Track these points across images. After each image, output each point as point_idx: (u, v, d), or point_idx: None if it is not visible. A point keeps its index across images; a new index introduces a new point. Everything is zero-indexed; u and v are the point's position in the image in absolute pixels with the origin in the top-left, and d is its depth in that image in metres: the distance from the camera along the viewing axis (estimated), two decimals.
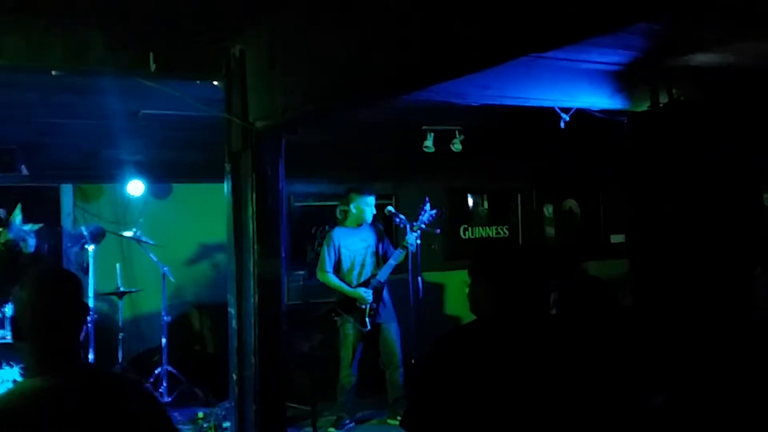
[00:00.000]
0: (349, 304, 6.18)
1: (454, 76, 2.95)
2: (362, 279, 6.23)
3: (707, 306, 4.59)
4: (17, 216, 4.12)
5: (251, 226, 4.14)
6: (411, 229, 6.09)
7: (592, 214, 9.06)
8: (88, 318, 2.22)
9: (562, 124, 4.86)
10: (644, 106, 4.83)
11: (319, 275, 6.30)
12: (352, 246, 6.26)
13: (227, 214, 4.33)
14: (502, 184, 8.76)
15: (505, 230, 8.80)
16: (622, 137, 5.12)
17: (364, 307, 6.13)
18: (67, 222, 7.16)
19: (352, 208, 6.27)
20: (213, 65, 4.24)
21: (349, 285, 6.20)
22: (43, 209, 6.84)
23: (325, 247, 6.28)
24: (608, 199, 8.90)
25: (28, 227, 4.12)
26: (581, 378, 2.34)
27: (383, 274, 6.19)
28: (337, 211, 6.63)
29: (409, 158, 7.00)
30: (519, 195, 8.87)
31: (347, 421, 6.20)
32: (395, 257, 6.14)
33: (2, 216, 8.24)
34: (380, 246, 6.34)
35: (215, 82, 4.31)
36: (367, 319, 6.10)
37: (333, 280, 6.21)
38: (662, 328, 4.67)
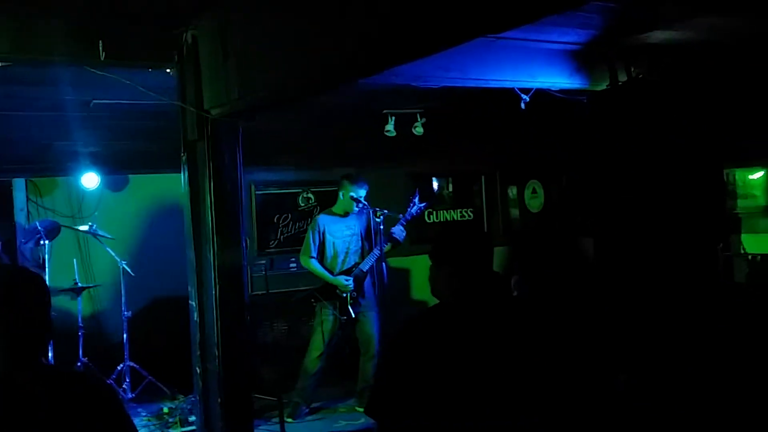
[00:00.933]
0: (330, 291, 6.12)
1: (412, 58, 2.89)
2: (345, 267, 6.17)
3: (673, 284, 4.63)
4: None
5: (209, 216, 4.06)
6: (374, 215, 6.02)
7: (555, 195, 9.10)
8: (50, 318, 2.17)
9: (523, 105, 4.85)
10: (603, 85, 4.83)
11: (302, 260, 6.23)
12: (338, 233, 6.19)
13: (184, 205, 4.24)
14: (466, 167, 8.74)
15: (469, 213, 8.79)
16: (583, 117, 5.12)
17: (344, 295, 6.08)
18: (20, 217, 6.97)
19: (341, 195, 6.20)
20: (165, 52, 4.13)
21: (332, 272, 6.13)
22: None
23: (309, 233, 6.21)
24: (571, 180, 8.94)
25: None
26: (544, 360, 2.33)
27: (366, 264, 6.14)
28: (300, 198, 6.56)
29: (372, 143, 6.94)
30: (483, 177, 8.86)
31: (304, 409, 6.15)
32: (380, 247, 6.07)
33: None
34: (366, 235, 6.27)
35: (168, 70, 4.19)
36: (349, 308, 6.05)
37: (315, 266, 6.14)
38: (627, 307, 4.70)
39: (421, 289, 8.23)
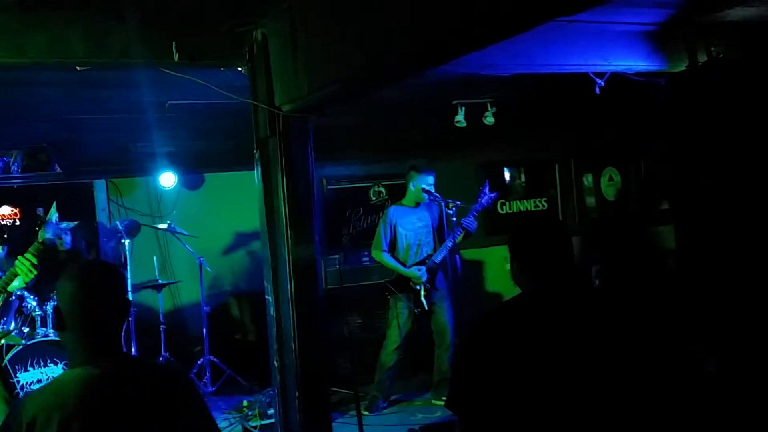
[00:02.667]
0: (403, 284, 6.10)
1: (484, 45, 2.83)
2: (418, 259, 6.15)
3: (756, 270, 4.44)
4: (53, 215, 4.13)
5: (283, 212, 4.08)
6: (446, 207, 5.98)
7: (633, 181, 8.84)
8: (130, 310, 2.25)
9: (597, 90, 4.71)
10: (682, 66, 4.65)
11: (374, 254, 6.23)
12: (409, 225, 6.16)
13: (259, 202, 4.28)
14: (539, 156, 8.58)
15: (543, 203, 8.63)
16: (661, 100, 4.95)
17: (418, 287, 6.06)
18: (102, 217, 7.20)
19: (411, 186, 6.17)
20: (236, 51, 4.18)
21: (404, 265, 6.13)
22: (78, 206, 6.89)
23: (381, 226, 6.21)
24: (650, 165, 8.66)
25: (64, 225, 4.13)
26: (625, 350, 2.27)
27: (439, 255, 6.10)
28: (371, 192, 6.56)
29: (442, 134, 6.89)
30: (557, 166, 8.68)
31: (381, 403, 6.15)
32: (452, 238, 6.03)
33: (41, 214, 8.35)
34: (437, 226, 6.24)
35: (240, 69, 4.24)
36: (423, 300, 6.03)
37: (387, 259, 6.14)
38: (711, 294, 4.53)
39: (495, 280, 8.14)
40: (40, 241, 4.04)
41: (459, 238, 6.08)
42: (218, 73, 4.30)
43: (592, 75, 4.64)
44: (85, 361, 2.05)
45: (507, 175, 8.67)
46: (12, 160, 6.67)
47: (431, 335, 6.27)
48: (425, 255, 6.16)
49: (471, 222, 6.04)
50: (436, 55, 2.96)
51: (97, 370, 2.03)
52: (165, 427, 2.02)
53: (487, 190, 6.12)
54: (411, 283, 6.09)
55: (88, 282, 2.08)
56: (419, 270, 6.06)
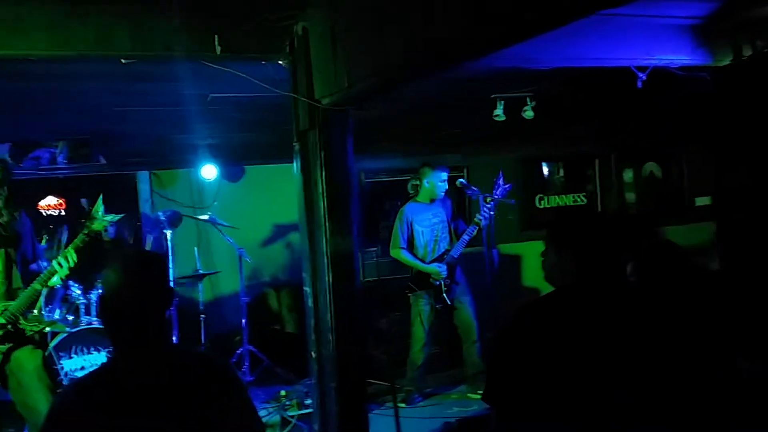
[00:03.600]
0: (423, 280, 6.12)
1: (528, 36, 2.81)
2: (436, 255, 6.16)
3: None
4: (99, 207, 4.25)
5: (322, 204, 4.11)
6: (484, 201, 5.97)
7: (674, 177, 8.71)
8: (173, 300, 2.28)
9: (639, 84, 4.65)
10: (727, 61, 4.56)
11: (392, 252, 6.26)
12: (425, 222, 6.19)
13: (298, 194, 4.32)
14: (578, 150, 8.50)
15: (582, 198, 8.56)
16: (705, 94, 4.87)
17: (438, 283, 6.07)
18: (145, 208, 7.34)
19: (425, 183, 6.20)
20: (277, 44, 4.21)
21: (423, 261, 6.14)
22: (122, 196, 7.03)
23: (397, 224, 6.24)
24: (692, 161, 8.53)
25: (110, 217, 4.25)
26: (664, 346, 2.27)
27: (456, 250, 6.11)
28: (409, 185, 6.57)
29: (480, 128, 6.86)
30: (596, 161, 8.60)
31: (417, 397, 6.18)
32: (468, 233, 6.04)
33: (85, 206, 8.53)
34: (453, 221, 6.25)
35: (280, 62, 4.28)
36: (444, 295, 6.04)
37: (406, 256, 6.16)
38: (752, 292, 4.45)
39: (532, 275, 8.10)
40: (85, 232, 4.16)
41: (474, 233, 6.07)
42: (259, 67, 4.34)
43: (634, 69, 4.58)
44: (128, 349, 2.09)
45: (545, 170, 8.62)
46: (58, 151, 6.83)
47: (456, 330, 6.28)
48: (443, 250, 6.16)
49: (485, 215, 5.99)
50: (477, 47, 2.95)
51: (140, 359, 2.06)
52: (208, 416, 2.05)
53: (501, 181, 6.08)
54: (431, 280, 6.09)
55: (132, 271, 2.11)
56: (439, 266, 6.06)
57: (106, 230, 4.89)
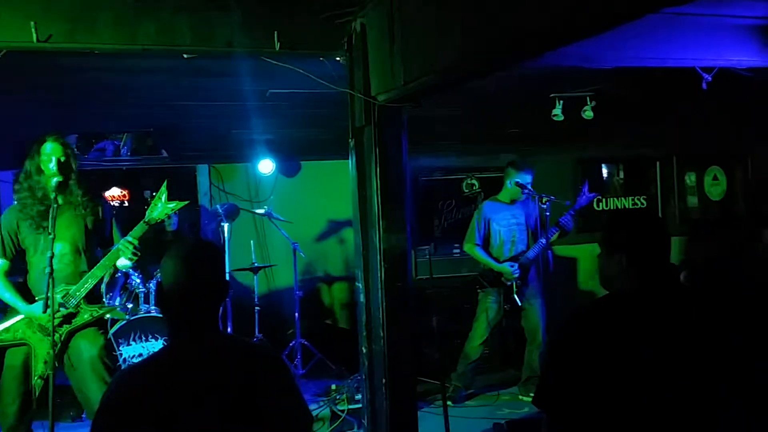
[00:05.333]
0: (495, 278, 6.09)
1: (592, 34, 2.75)
2: (511, 255, 6.12)
3: None
4: (163, 193, 4.31)
5: (376, 201, 4.12)
6: (539, 201, 5.89)
7: (739, 181, 8.45)
8: (228, 290, 2.32)
9: (704, 85, 4.52)
10: None
11: (466, 247, 6.24)
12: (503, 221, 6.14)
13: (352, 190, 4.34)
14: (639, 152, 8.32)
15: (642, 201, 8.38)
16: None
17: (509, 283, 6.02)
18: (204, 201, 7.48)
19: (508, 183, 6.15)
20: (335, 41, 4.24)
21: (497, 260, 6.10)
22: (181, 189, 7.17)
23: (475, 220, 6.21)
24: (758, 165, 8.26)
25: (173, 204, 4.29)
26: (720, 355, 2.20)
27: (533, 252, 6.06)
28: (464, 184, 6.53)
29: (537, 128, 6.78)
30: (658, 163, 8.40)
31: (462, 392, 6.14)
32: (548, 236, 5.96)
33: (148, 197, 8.73)
34: (531, 223, 6.18)
35: (338, 58, 4.30)
36: (514, 296, 5.99)
37: (480, 253, 6.13)
38: None
39: (587, 278, 7.98)
40: (146, 220, 4.21)
41: (554, 237, 6.00)
42: (317, 63, 4.37)
43: (699, 69, 4.46)
44: (184, 337, 2.13)
45: (605, 172, 8.47)
46: (122, 143, 7.01)
47: (521, 332, 6.22)
48: (518, 252, 6.10)
49: (568, 221, 5.96)
50: (540, 45, 2.89)
51: (195, 347, 2.10)
52: (258, 404, 2.07)
53: (586, 189, 6.03)
54: (503, 279, 6.05)
55: (190, 261, 2.15)
56: (512, 266, 6.01)
57: (169, 217, 4.96)
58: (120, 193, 8.01)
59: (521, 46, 2.85)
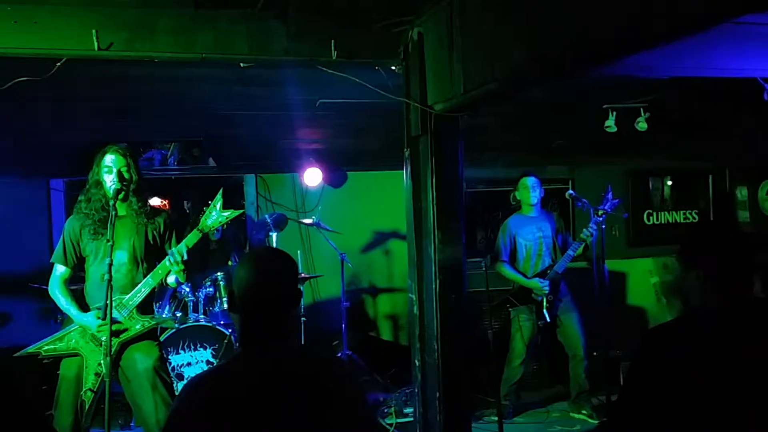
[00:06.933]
0: (525, 295, 5.99)
1: (658, 44, 2.68)
2: (539, 269, 6.02)
3: None
4: (219, 201, 4.30)
5: (431, 211, 4.07)
6: (595, 214, 5.76)
7: None
8: (301, 299, 2.28)
9: (766, 96, 4.40)
10: None
11: (496, 266, 6.14)
12: (528, 235, 6.05)
13: (406, 200, 4.29)
14: (690, 165, 8.16)
15: (694, 215, 8.20)
16: None
17: (540, 298, 5.92)
18: (250, 210, 7.49)
19: (517, 193, 6.10)
20: (391, 50, 4.21)
21: (525, 275, 6.00)
22: (228, 199, 7.18)
23: (500, 236, 6.13)
24: None
25: (228, 213, 4.27)
26: None
27: (561, 266, 5.93)
28: (512, 197, 6.45)
29: (588, 139, 6.68)
30: (710, 176, 8.22)
31: (511, 410, 6.05)
32: (573, 248, 5.86)
33: (187, 208, 8.79)
34: (558, 236, 6.08)
35: (393, 67, 4.27)
36: (544, 312, 5.88)
37: (508, 269, 6.04)
38: None
39: (638, 293, 7.83)
40: (199, 228, 4.19)
41: (579, 250, 5.87)
42: (372, 72, 4.35)
43: (760, 80, 4.35)
44: (252, 348, 2.08)
45: (654, 184, 8.31)
46: (169, 153, 7.05)
47: (561, 348, 6.10)
48: (546, 266, 5.99)
49: (592, 230, 5.77)
50: (604, 55, 2.84)
51: (264, 359, 2.05)
52: (327, 421, 2.02)
53: (610, 196, 5.85)
54: (533, 295, 5.94)
55: (263, 268, 2.12)
56: (541, 281, 5.90)
57: (215, 231, 4.94)
58: (160, 203, 8.07)
59: (595, 52, 2.78)
